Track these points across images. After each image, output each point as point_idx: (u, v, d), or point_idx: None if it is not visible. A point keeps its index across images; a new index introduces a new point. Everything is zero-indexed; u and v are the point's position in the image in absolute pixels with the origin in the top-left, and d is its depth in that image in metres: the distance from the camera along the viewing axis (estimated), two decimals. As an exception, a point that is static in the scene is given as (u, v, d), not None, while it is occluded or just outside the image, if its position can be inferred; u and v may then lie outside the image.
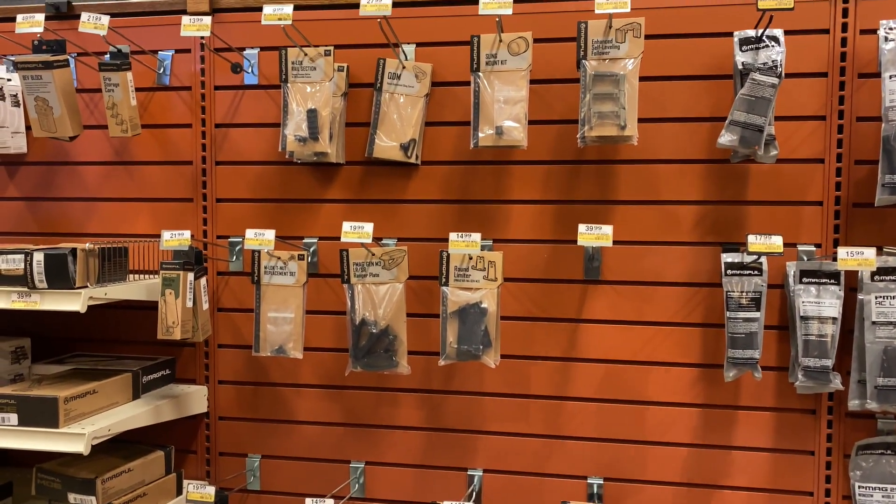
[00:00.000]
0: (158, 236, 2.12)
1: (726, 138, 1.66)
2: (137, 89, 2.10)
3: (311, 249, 2.04)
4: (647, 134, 1.87)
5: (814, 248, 1.83)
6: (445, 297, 1.76)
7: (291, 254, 1.86)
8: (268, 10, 1.71)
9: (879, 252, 1.79)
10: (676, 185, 1.89)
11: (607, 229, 1.67)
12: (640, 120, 1.85)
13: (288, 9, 1.71)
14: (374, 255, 1.85)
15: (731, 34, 1.82)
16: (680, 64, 1.87)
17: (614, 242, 1.90)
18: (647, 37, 1.84)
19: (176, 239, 1.77)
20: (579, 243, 1.69)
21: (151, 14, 2.09)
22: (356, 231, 1.72)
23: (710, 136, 1.86)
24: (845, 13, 1.78)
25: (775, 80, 1.63)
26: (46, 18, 2.08)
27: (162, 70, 2.07)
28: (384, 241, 2.01)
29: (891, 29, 1.61)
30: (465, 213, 1.98)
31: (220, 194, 2.09)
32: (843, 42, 1.79)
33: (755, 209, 1.86)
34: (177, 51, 2.09)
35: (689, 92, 1.87)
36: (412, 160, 1.95)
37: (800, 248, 1.84)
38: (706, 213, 1.88)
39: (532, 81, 1.89)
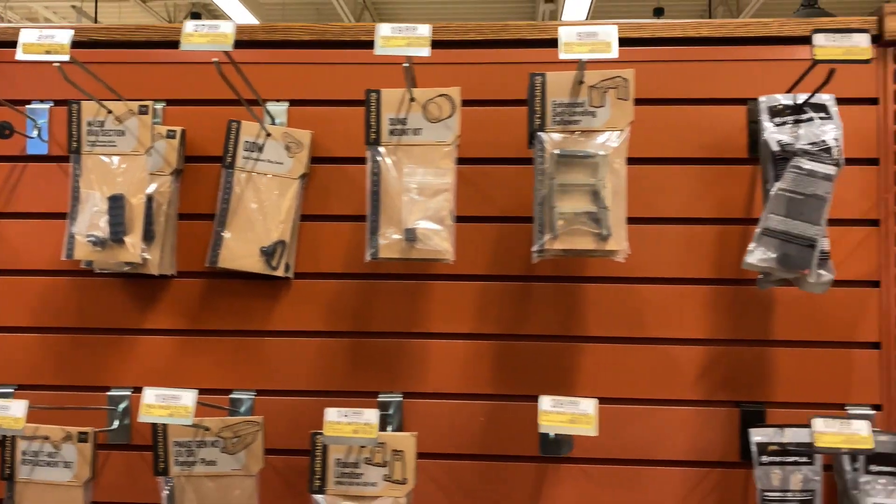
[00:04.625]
0: None
1: (758, 256, 1.07)
2: None
3: (121, 407, 1.31)
4: (630, 240, 1.28)
5: (872, 412, 1.25)
6: (319, 512, 1.06)
7: (68, 432, 1.13)
8: (27, 36, 1.03)
9: (963, 417, 1.23)
10: (673, 317, 1.28)
11: (588, 406, 1.03)
12: (619, 220, 1.26)
13: (63, 36, 1.04)
14: (208, 429, 1.15)
15: (745, 101, 1.27)
16: (672, 141, 1.30)
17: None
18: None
19: None
20: (542, 429, 1.04)
21: None
22: (166, 406, 1.01)
23: (718, 245, 1.28)
24: (899, 77, 1.27)
25: (832, 170, 1.06)
26: None
27: None
28: (235, 395, 1.31)
29: None
30: (360, 353, 1.31)
31: (-18, 320, 1.35)
32: (898, 116, 1.27)
33: (786, 353, 1.27)
34: (-77, 101, 1.37)
35: (686, 181, 1.29)
36: (280, 272, 1.28)
37: (850, 410, 1.25)
38: (716, 359, 1.28)
39: (460, 160, 1.28)
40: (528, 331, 1.30)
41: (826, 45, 0.98)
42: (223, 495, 1.15)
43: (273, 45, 1.34)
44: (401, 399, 1.30)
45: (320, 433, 1.04)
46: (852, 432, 0.97)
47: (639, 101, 1.29)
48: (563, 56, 0.99)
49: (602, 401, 1.28)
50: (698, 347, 1.28)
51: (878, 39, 1.26)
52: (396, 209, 1.11)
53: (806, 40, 1.24)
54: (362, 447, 1.06)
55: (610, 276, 1.29)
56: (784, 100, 1.12)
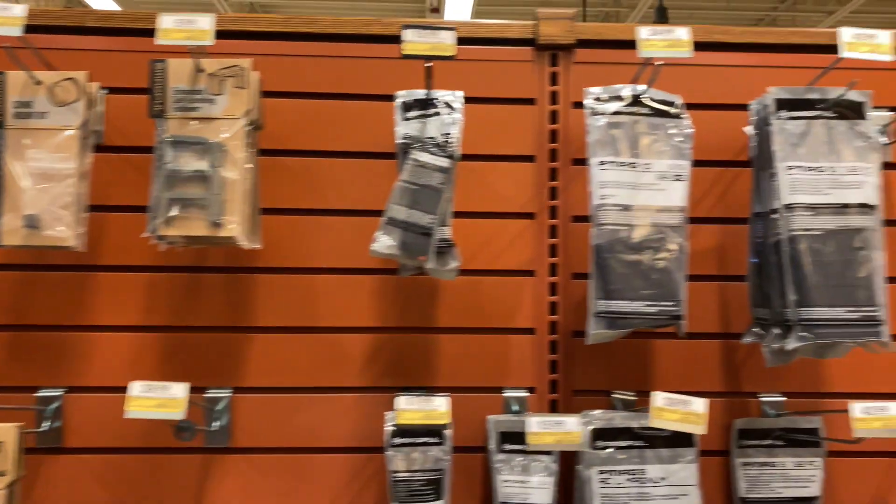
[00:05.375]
0: None
1: (382, 243, 1.11)
2: None
3: None
4: (301, 231, 1.30)
5: (526, 394, 1.31)
6: None
7: None
8: None
9: (607, 396, 1.32)
10: (342, 306, 1.31)
11: (178, 390, 1.03)
12: (288, 211, 1.29)
13: None
14: None
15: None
16: (346, 135, 1.33)
17: (249, 390, 1.28)
18: (298, 94, 1.30)
19: None
20: (128, 415, 1.03)
21: None
22: None
23: (385, 237, 1.31)
24: (554, 79, 1.35)
25: (445, 163, 1.12)
26: None
27: None
28: None
29: (599, 100, 1.17)
30: (20, 347, 1.26)
31: None
32: (554, 117, 1.35)
33: (449, 340, 1.32)
34: None
35: (358, 174, 1.32)
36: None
37: (507, 393, 1.31)
38: (383, 346, 1.31)
39: (134, 149, 1.27)
40: (197, 322, 1.29)
41: (414, 41, 1.03)
42: None
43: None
44: (62, 393, 1.26)
45: None
46: (431, 409, 1.02)
47: (314, 95, 1.32)
48: (158, 42, 1.00)
49: (270, 390, 1.30)
50: (365, 335, 1.31)
51: (534, 43, 1.34)
52: (17, 196, 1.09)
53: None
54: (-43, 440, 1.02)
55: (282, 266, 1.31)
56: (419, 95, 1.17)
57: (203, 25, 0.99)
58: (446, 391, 1.30)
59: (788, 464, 1.27)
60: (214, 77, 1.07)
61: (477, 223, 1.32)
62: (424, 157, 1.10)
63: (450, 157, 1.11)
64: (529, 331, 1.32)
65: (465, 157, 1.32)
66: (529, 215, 1.33)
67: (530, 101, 1.34)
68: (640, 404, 1.31)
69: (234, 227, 1.06)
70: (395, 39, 1.33)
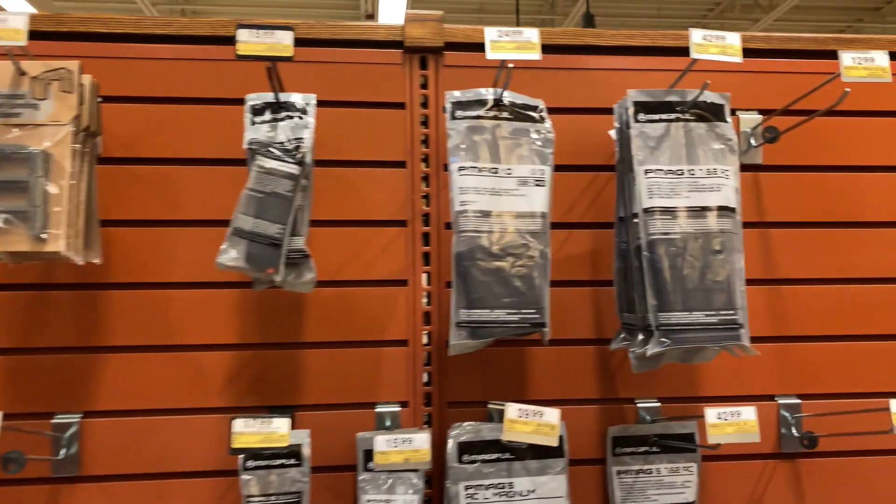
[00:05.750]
0: None
1: (227, 256, 1.05)
2: None
3: None
4: (154, 243, 1.23)
5: (399, 409, 1.27)
6: None
7: None
8: None
9: (483, 407, 1.28)
10: (201, 323, 1.24)
11: None
12: (140, 223, 1.22)
13: None
14: None
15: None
16: (203, 142, 1.26)
17: (101, 414, 1.20)
18: (151, 99, 1.23)
19: None
20: None
21: None
22: None
23: (247, 248, 1.25)
24: (425, 83, 1.31)
25: (294, 169, 1.06)
26: None
27: None
28: None
29: (460, 104, 1.14)
30: None
31: None
32: (426, 122, 1.31)
33: (318, 355, 1.26)
34: None
35: (212, 182, 1.26)
36: None
37: (379, 409, 1.26)
38: (244, 363, 1.25)
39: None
40: (42, 343, 1.20)
41: (249, 41, 0.98)
42: None
43: None
44: None
45: None
46: (270, 431, 0.96)
47: (168, 100, 1.25)
48: (-39, 42, 0.92)
49: (123, 413, 1.22)
50: (226, 353, 1.24)
51: (402, 45, 1.30)
52: None
53: (318, 43, 1.26)
54: None
55: (135, 281, 1.23)
56: (269, 98, 1.11)
57: (16, 24, 0.91)
58: (315, 408, 1.25)
59: (664, 470, 1.25)
60: (38, 81, 0.99)
61: (347, 232, 1.28)
62: (271, 164, 1.04)
63: (299, 163, 1.06)
64: (402, 342, 1.28)
65: (334, 163, 1.28)
66: (402, 223, 1.29)
67: (400, 106, 1.30)
68: (517, 415, 1.28)
69: (61, 241, 0.98)
70: (258, 41, 1.28)
